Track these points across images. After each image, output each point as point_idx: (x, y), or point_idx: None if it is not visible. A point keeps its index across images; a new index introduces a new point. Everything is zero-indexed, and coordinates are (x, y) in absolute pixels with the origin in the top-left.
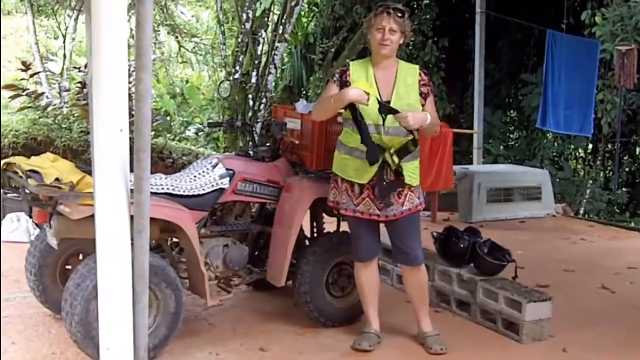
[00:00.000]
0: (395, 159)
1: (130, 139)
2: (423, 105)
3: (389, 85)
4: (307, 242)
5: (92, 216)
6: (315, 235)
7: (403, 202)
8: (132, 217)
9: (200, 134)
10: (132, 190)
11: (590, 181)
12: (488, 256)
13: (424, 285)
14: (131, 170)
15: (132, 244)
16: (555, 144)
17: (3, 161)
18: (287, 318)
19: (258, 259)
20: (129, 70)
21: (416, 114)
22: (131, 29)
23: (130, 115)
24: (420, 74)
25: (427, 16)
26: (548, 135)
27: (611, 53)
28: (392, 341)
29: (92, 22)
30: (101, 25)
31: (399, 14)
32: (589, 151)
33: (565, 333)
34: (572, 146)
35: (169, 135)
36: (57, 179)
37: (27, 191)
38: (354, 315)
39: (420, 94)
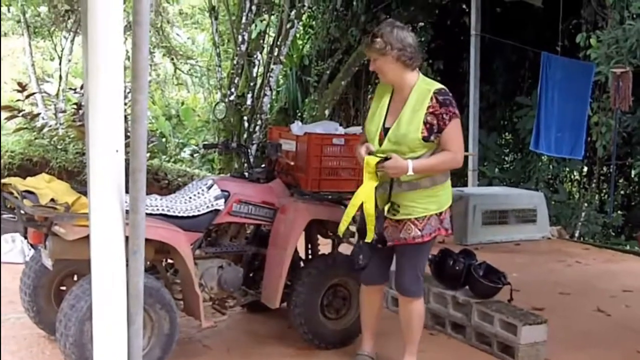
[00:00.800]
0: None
1: (126, 160)
2: (425, 137)
3: (398, 111)
4: (301, 264)
5: (87, 237)
6: (310, 257)
7: (400, 230)
8: (127, 238)
9: (195, 155)
10: (127, 211)
11: (586, 204)
12: (483, 279)
13: (411, 320)
14: (126, 192)
15: (127, 264)
16: (551, 166)
17: None
18: (281, 340)
19: (253, 280)
20: (124, 91)
21: (397, 164)
22: (127, 51)
23: (126, 137)
24: (432, 99)
25: (422, 39)
26: (543, 158)
27: (606, 75)
28: None
29: (88, 43)
30: (97, 46)
31: (371, 40)
32: (584, 174)
33: (560, 356)
34: (567, 169)
35: (164, 156)
36: (52, 200)
37: (23, 212)
38: (348, 337)
39: (425, 123)
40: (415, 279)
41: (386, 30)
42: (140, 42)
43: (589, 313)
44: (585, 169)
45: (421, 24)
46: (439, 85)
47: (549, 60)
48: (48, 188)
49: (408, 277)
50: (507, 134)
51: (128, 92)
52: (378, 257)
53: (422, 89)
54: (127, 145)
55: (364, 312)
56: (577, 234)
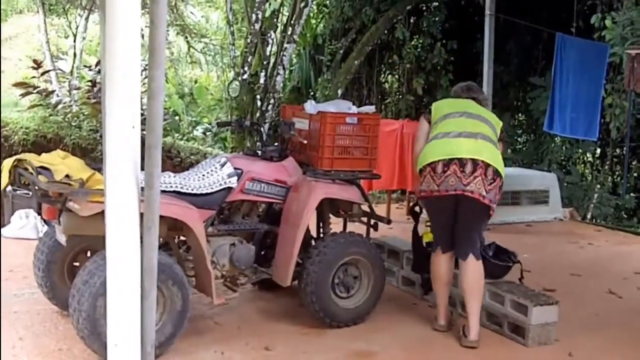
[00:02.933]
0: None
1: (141, 137)
2: None
3: None
4: (313, 242)
5: (101, 213)
6: (321, 235)
7: None
8: (141, 215)
9: (208, 133)
10: (142, 189)
11: (598, 186)
12: (493, 259)
13: None
14: (142, 168)
15: (141, 240)
16: (564, 147)
17: (14, 157)
18: (292, 318)
19: (264, 258)
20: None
21: None
22: (141, 29)
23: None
24: None
25: (436, 18)
26: (556, 139)
27: (621, 57)
28: (398, 341)
29: (106, 19)
30: (115, 23)
31: None
32: (597, 155)
33: (571, 337)
34: (580, 150)
35: (177, 134)
36: (67, 176)
37: (37, 187)
38: (359, 315)
39: None
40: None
41: None
42: (157, 19)
43: (601, 295)
44: (599, 150)
45: (435, 3)
46: None
47: (564, 41)
48: (63, 164)
49: None
50: (520, 114)
51: (142, 70)
52: None
53: None
54: (142, 122)
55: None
56: (589, 216)
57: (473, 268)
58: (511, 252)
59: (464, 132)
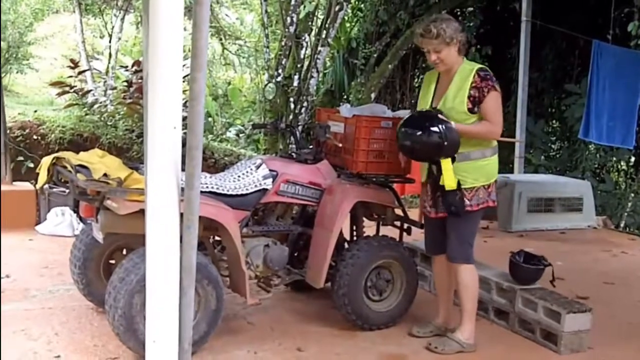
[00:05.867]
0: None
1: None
2: (470, 109)
3: (444, 91)
4: (346, 245)
5: (138, 212)
6: (355, 238)
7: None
8: (181, 214)
9: (241, 135)
10: (182, 189)
11: (632, 194)
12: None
13: (459, 287)
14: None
15: (180, 239)
16: (598, 155)
17: (52, 155)
18: (324, 320)
19: (298, 260)
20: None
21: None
22: None
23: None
24: (475, 75)
25: (471, 24)
26: (590, 146)
27: None
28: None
29: (149, 21)
30: (158, 25)
31: (429, 35)
32: (631, 164)
33: (604, 345)
34: (615, 158)
35: (210, 136)
36: (105, 175)
37: (76, 185)
38: (391, 318)
39: (469, 96)
40: (458, 245)
41: (444, 24)
42: (200, 21)
43: (634, 303)
44: (633, 159)
45: (470, 8)
46: (482, 65)
47: (600, 48)
48: (101, 163)
49: (452, 245)
50: (554, 121)
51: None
52: (433, 228)
53: (466, 69)
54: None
55: (436, 283)
56: (622, 224)
57: None
58: (540, 256)
59: None
